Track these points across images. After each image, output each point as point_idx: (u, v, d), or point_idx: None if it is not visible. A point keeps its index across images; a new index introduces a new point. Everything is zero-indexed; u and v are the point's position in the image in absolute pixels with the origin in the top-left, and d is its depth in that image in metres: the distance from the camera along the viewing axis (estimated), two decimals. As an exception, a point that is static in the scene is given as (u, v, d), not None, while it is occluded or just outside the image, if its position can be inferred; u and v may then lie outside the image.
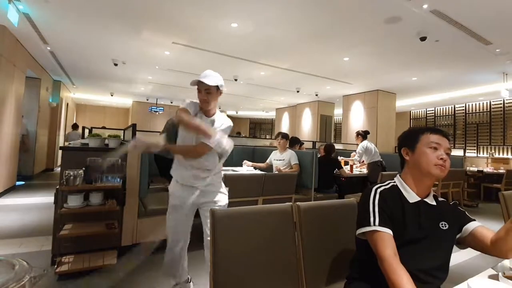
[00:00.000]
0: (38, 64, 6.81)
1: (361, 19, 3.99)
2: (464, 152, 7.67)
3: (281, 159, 3.93)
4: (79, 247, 2.44)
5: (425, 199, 1.10)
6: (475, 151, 9.22)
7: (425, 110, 10.92)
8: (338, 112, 10.89)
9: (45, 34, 5.05)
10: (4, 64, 4.70)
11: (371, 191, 1.10)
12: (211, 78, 1.71)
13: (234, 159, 4.20)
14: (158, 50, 5.73)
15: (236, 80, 7.69)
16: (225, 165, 3.39)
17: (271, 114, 14.70)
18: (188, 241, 1.98)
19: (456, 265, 2.79)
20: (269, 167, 4.05)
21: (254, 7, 3.82)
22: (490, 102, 8.94)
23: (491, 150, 8.71)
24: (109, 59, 6.43)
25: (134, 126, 3.09)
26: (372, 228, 1.01)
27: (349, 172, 4.65)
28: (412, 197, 1.09)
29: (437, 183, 5.14)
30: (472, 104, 9.43)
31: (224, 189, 1.95)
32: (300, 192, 3.82)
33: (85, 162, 2.44)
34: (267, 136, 15.54)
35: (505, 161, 7.81)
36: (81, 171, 2.34)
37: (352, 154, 5.53)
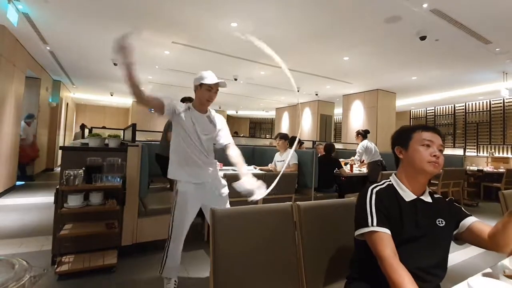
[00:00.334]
0: (37, 64, 6.81)
1: (361, 18, 3.99)
2: (464, 151, 7.67)
3: (281, 160, 3.92)
4: (79, 247, 2.44)
5: (421, 197, 1.11)
6: (475, 150, 9.22)
7: (425, 109, 10.91)
8: (338, 111, 10.89)
9: (45, 34, 5.04)
10: (3, 64, 4.70)
11: (367, 192, 1.10)
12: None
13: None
14: (158, 49, 5.73)
15: (236, 79, 7.69)
16: (225, 164, 3.41)
17: (271, 114, 14.70)
18: None
19: (456, 264, 2.79)
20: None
21: (254, 7, 3.82)
22: (490, 102, 8.94)
23: (491, 149, 8.71)
24: (108, 59, 6.41)
25: (134, 126, 3.09)
26: (370, 228, 1.01)
27: (349, 171, 4.65)
28: (408, 195, 1.10)
29: (437, 182, 5.14)
30: (472, 104, 9.43)
31: (223, 180, 2.09)
32: (300, 192, 3.82)
33: (85, 162, 2.44)
34: (267, 136, 15.55)
35: (505, 160, 7.81)
36: (81, 171, 2.34)
37: (350, 160, 5.47)
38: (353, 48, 5.19)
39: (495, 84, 6.92)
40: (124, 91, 10.86)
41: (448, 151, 8.01)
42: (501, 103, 8.68)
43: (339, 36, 4.65)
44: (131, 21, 4.39)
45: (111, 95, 11.68)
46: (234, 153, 1.97)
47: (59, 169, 3.55)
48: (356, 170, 4.94)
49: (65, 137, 10.12)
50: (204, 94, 1.89)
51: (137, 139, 3.06)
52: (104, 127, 6.74)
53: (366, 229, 1.02)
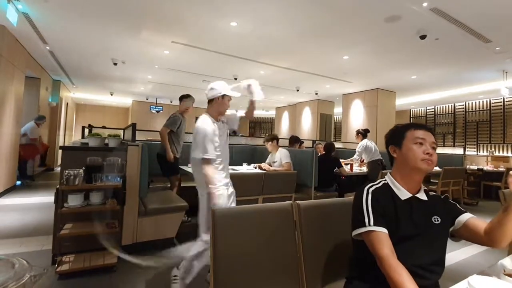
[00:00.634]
0: (37, 63, 6.81)
1: (361, 17, 3.98)
2: (464, 150, 7.67)
3: (275, 161, 3.93)
4: (80, 247, 2.44)
5: (416, 195, 1.11)
6: (475, 149, 9.23)
7: (425, 108, 10.92)
8: (338, 110, 10.89)
9: (45, 33, 5.04)
10: (3, 64, 4.69)
11: (363, 191, 1.11)
12: None
13: (233, 158, 4.20)
14: (158, 49, 5.73)
15: (235, 79, 7.68)
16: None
17: (271, 113, 14.70)
18: None
19: (457, 263, 2.79)
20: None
21: (254, 6, 3.81)
22: (490, 100, 8.94)
23: (491, 148, 8.71)
24: (108, 59, 6.42)
25: (134, 125, 3.09)
26: (368, 228, 1.02)
27: (349, 170, 4.65)
28: (403, 194, 1.10)
29: (437, 181, 5.14)
30: (472, 103, 9.43)
31: None
32: (300, 191, 3.82)
33: (85, 161, 2.44)
34: (267, 135, 15.53)
35: (505, 159, 7.81)
36: (81, 171, 2.34)
37: (350, 160, 5.47)
38: (353, 47, 5.19)
39: (495, 83, 6.92)
40: (123, 91, 10.87)
41: (448, 150, 8.01)
42: (501, 102, 8.68)
43: (339, 35, 4.65)
44: (131, 21, 4.39)
45: (111, 95, 11.68)
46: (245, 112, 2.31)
47: (59, 169, 3.55)
48: (356, 169, 4.94)
49: (65, 137, 10.12)
50: (226, 105, 2.10)
51: (137, 138, 3.07)
52: (104, 127, 6.74)
53: (363, 229, 1.03)
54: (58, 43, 5.55)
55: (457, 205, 1.15)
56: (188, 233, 3.23)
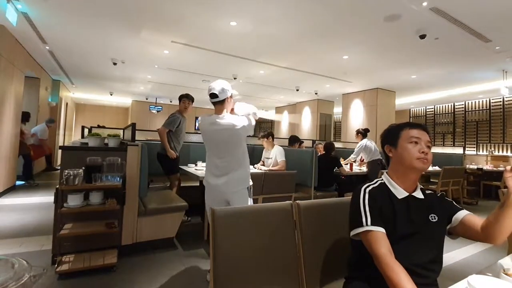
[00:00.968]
0: (37, 63, 6.80)
1: (361, 17, 3.98)
2: (464, 150, 7.67)
3: (270, 157, 3.95)
4: (80, 247, 2.44)
5: (412, 194, 1.12)
6: (475, 149, 9.23)
7: (424, 108, 10.92)
8: (337, 110, 10.89)
9: (44, 33, 5.03)
10: (3, 63, 4.69)
11: (360, 191, 1.11)
12: None
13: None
14: (157, 49, 5.72)
15: (235, 78, 7.68)
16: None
17: (271, 113, 14.70)
18: None
19: (456, 262, 2.80)
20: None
21: (253, 6, 3.81)
22: (489, 100, 8.94)
23: (490, 148, 8.72)
24: (108, 59, 6.41)
25: (133, 125, 3.09)
26: (365, 228, 1.02)
27: (348, 170, 4.65)
28: (400, 193, 1.11)
29: (436, 181, 5.15)
30: (471, 102, 9.43)
31: None
32: (300, 191, 3.83)
33: (85, 161, 2.44)
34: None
35: (504, 158, 7.82)
36: (81, 171, 2.34)
37: (347, 160, 5.47)
38: (353, 47, 5.19)
39: (495, 83, 6.92)
40: (123, 91, 10.87)
41: (447, 150, 8.01)
42: (500, 101, 8.68)
43: (339, 34, 4.65)
44: (131, 21, 4.39)
45: (111, 95, 11.68)
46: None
47: (59, 168, 3.54)
48: (356, 169, 4.94)
49: (65, 137, 10.12)
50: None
51: (136, 138, 3.06)
52: (103, 127, 6.74)
53: (360, 229, 1.03)
54: (57, 43, 5.55)
55: (454, 202, 1.15)
56: (188, 233, 3.25)
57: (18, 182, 5.72)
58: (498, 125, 8.74)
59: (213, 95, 1.98)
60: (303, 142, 5.33)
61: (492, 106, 8.90)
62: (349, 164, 4.94)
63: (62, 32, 4.94)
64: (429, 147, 1.10)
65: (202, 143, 4.83)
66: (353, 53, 5.49)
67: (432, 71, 6.37)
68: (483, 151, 8.92)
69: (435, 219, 1.08)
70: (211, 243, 1.15)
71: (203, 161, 3.87)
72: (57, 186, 2.29)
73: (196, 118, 13.99)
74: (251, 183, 2.12)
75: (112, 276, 2.25)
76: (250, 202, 2.08)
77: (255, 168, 3.92)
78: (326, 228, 1.39)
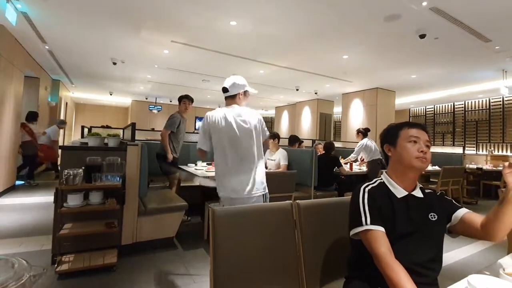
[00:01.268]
0: (36, 63, 6.79)
1: (360, 16, 3.98)
2: (464, 149, 7.67)
3: (273, 159, 3.97)
4: (79, 246, 2.44)
5: (412, 193, 1.12)
6: (474, 148, 9.24)
7: (424, 107, 10.92)
8: (337, 110, 10.90)
9: (44, 33, 5.03)
10: (2, 63, 4.68)
11: (359, 191, 1.11)
12: None
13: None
14: (157, 49, 5.72)
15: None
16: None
17: (271, 113, 14.70)
18: None
19: (456, 262, 2.80)
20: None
21: (253, 6, 3.81)
22: (489, 100, 8.95)
23: (490, 148, 8.72)
24: (108, 58, 6.41)
25: (133, 125, 3.09)
26: (365, 227, 1.02)
27: (348, 170, 4.65)
28: (399, 192, 1.11)
29: (436, 180, 5.15)
30: (471, 102, 9.43)
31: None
32: (300, 190, 3.83)
33: (85, 161, 2.43)
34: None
35: (504, 158, 7.82)
36: (80, 170, 2.34)
37: (347, 159, 5.50)
38: (353, 47, 5.19)
39: (495, 82, 6.93)
40: (123, 90, 10.86)
41: (447, 149, 8.01)
42: (500, 101, 8.68)
43: (339, 34, 4.65)
44: (130, 20, 4.38)
45: (110, 94, 11.67)
46: None
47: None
48: (355, 169, 4.94)
49: (65, 137, 10.11)
50: (248, 101, 2.00)
51: (136, 138, 3.06)
52: (109, 126, 6.75)
53: (360, 228, 1.03)
54: (57, 43, 5.54)
55: (453, 201, 1.15)
56: (188, 233, 3.25)
57: (18, 182, 5.71)
58: (497, 125, 8.74)
59: (224, 89, 1.94)
60: (302, 141, 5.33)
61: (492, 105, 8.90)
62: (349, 163, 4.94)
63: (61, 31, 4.94)
64: (428, 147, 1.11)
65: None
66: (353, 52, 5.49)
67: (432, 70, 6.37)
68: (482, 151, 8.93)
69: (434, 218, 1.08)
70: (211, 243, 1.15)
71: (203, 161, 3.88)
72: (57, 186, 2.29)
73: (196, 118, 13.99)
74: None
75: (112, 276, 2.25)
76: None
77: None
78: (326, 227, 1.39)
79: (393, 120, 8.61)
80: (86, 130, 5.24)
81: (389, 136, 1.18)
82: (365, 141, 5.15)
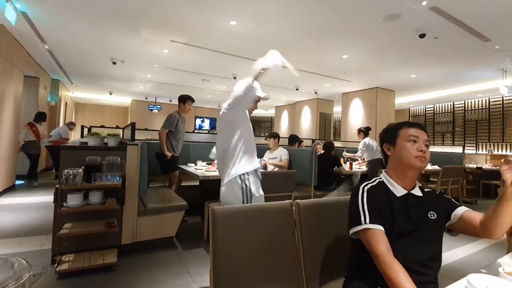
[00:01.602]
0: (36, 63, 6.79)
1: (360, 16, 3.98)
2: (463, 149, 7.67)
3: (273, 157, 4.00)
4: (79, 246, 2.44)
5: (411, 191, 1.12)
6: (474, 148, 9.24)
7: (424, 107, 10.92)
8: (337, 109, 10.90)
9: (43, 33, 5.02)
10: (2, 63, 4.68)
11: (358, 190, 1.12)
12: None
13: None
14: (157, 48, 5.71)
15: (235, 78, 7.68)
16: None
17: (271, 112, 14.70)
18: None
19: (456, 261, 2.80)
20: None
21: (253, 5, 3.80)
22: (489, 99, 8.95)
23: (490, 147, 8.72)
24: (107, 58, 6.40)
25: (133, 124, 3.09)
26: (364, 226, 1.02)
27: (348, 169, 4.65)
28: (398, 191, 1.11)
29: (436, 180, 5.15)
30: (471, 101, 9.43)
31: None
32: (299, 190, 3.83)
33: (85, 161, 2.43)
34: (266, 134, 15.55)
35: (504, 157, 7.81)
36: (80, 170, 2.34)
37: (353, 155, 5.55)
38: (352, 46, 5.18)
39: (494, 82, 6.92)
40: (123, 90, 10.85)
41: (447, 149, 8.02)
42: (500, 100, 8.69)
43: (338, 34, 4.64)
44: (130, 20, 4.38)
45: (110, 94, 11.66)
46: None
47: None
48: (355, 168, 4.94)
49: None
50: (255, 105, 1.96)
51: (136, 138, 3.06)
52: (103, 126, 6.74)
53: (359, 227, 1.04)
54: (56, 42, 5.54)
55: (452, 199, 1.16)
56: (188, 232, 3.25)
57: (18, 182, 5.71)
58: (497, 124, 8.75)
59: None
60: (302, 141, 5.33)
61: (492, 105, 8.90)
62: (348, 163, 4.94)
63: (61, 31, 4.93)
64: (427, 146, 1.11)
65: (202, 142, 4.82)
66: (353, 52, 5.49)
67: (431, 70, 6.37)
68: (482, 150, 8.93)
69: (434, 216, 1.08)
70: (211, 242, 1.15)
71: (203, 161, 3.89)
72: (57, 186, 2.29)
73: (196, 117, 13.99)
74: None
75: (112, 275, 2.25)
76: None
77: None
78: (326, 227, 1.39)
79: (393, 119, 8.61)
80: (86, 129, 5.23)
81: (389, 136, 1.18)
82: (367, 140, 5.15)
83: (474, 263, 2.78)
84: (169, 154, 3.62)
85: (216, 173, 2.81)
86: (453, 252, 3.01)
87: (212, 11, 4.00)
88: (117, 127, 6.70)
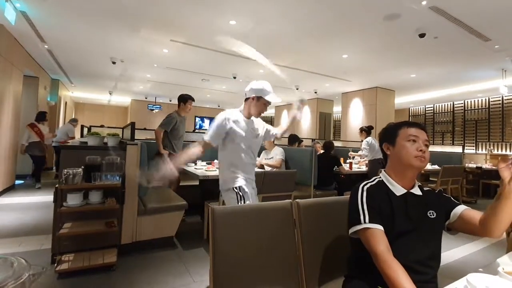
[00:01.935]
0: (36, 62, 6.78)
1: (360, 16, 3.98)
2: (463, 148, 7.67)
3: (270, 157, 4.02)
4: (79, 246, 2.44)
5: (411, 191, 1.12)
6: (474, 147, 9.24)
7: (424, 107, 10.93)
8: (337, 109, 10.89)
9: (43, 32, 5.02)
10: (1, 63, 4.68)
11: (358, 189, 1.12)
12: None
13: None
14: (157, 48, 5.71)
15: (235, 78, 7.68)
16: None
17: (271, 112, 14.69)
18: None
19: (456, 260, 2.80)
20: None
21: (253, 5, 3.80)
22: (488, 99, 8.95)
23: (489, 147, 8.72)
24: (107, 58, 6.40)
25: (132, 124, 3.09)
26: (363, 226, 1.02)
27: (348, 169, 4.65)
28: (398, 190, 1.11)
29: (435, 179, 5.15)
30: (470, 101, 9.44)
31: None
32: (299, 190, 3.83)
33: (84, 160, 2.43)
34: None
35: (503, 157, 7.81)
36: (80, 170, 2.34)
37: (357, 154, 5.58)
38: (352, 46, 5.18)
39: (494, 82, 6.93)
40: (122, 90, 10.85)
41: (447, 149, 8.02)
42: (499, 100, 8.69)
43: (338, 33, 4.64)
44: (130, 20, 4.37)
45: (110, 94, 11.65)
46: (282, 128, 2.22)
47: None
48: (355, 168, 4.94)
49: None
50: (261, 108, 1.94)
51: (136, 137, 3.06)
52: (102, 126, 6.74)
53: (358, 227, 1.03)
54: (56, 42, 5.53)
55: (452, 198, 1.16)
56: (187, 232, 3.25)
57: (18, 182, 5.71)
58: (497, 124, 8.75)
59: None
60: (302, 141, 5.33)
61: (491, 105, 8.91)
62: (348, 162, 4.94)
63: (61, 31, 4.93)
64: (427, 146, 1.11)
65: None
66: (353, 52, 5.49)
67: (431, 70, 6.37)
68: (482, 150, 8.93)
69: (433, 215, 1.08)
70: (210, 242, 1.15)
71: (203, 160, 3.89)
72: (57, 185, 2.29)
73: (196, 117, 13.98)
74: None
75: (112, 275, 2.25)
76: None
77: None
78: (326, 226, 1.39)
79: (393, 119, 8.61)
80: (86, 129, 5.23)
81: (388, 135, 1.18)
82: (370, 139, 5.14)
83: (473, 263, 2.79)
84: (164, 152, 3.62)
85: (216, 173, 2.82)
86: (453, 251, 3.01)
87: (212, 10, 3.99)
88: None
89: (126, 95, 12.19)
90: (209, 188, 3.20)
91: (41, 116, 5.83)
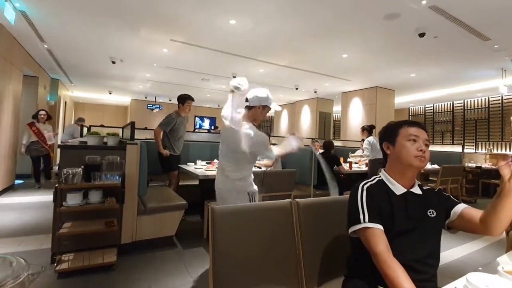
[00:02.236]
0: (35, 62, 6.77)
1: (360, 15, 3.98)
2: (463, 148, 7.67)
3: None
4: (79, 245, 2.44)
5: (411, 190, 1.12)
6: (474, 147, 9.24)
7: (423, 106, 10.92)
8: (337, 109, 10.89)
9: (42, 32, 5.01)
10: (1, 62, 4.67)
11: (358, 189, 1.11)
12: None
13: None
14: (156, 47, 5.71)
15: (234, 77, 7.64)
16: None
17: (270, 112, 14.69)
18: None
19: (456, 260, 2.80)
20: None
21: (252, 4, 3.80)
22: (488, 98, 8.95)
23: (489, 146, 8.73)
24: (107, 57, 6.39)
25: (132, 124, 3.09)
26: (363, 225, 1.02)
27: (348, 169, 4.65)
28: (398, 189, 1.11)
29: (435, 179, 5.15)
30: (470, 100, 9.44)
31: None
32: (299, 189, 3.83)
33: (84, 160, 2.43)
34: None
35: (503, 157, 7.81)
36: (80, 169, 2.33)
37: (360, 156, 5.57)
38: (352, 45, 5.18)
39: (494, 81, 6.92)
40: (122, 89, 10.84)
41: (446, 148, 8.01)
42: (499, 100, 8.69)
43: (338, 33, 4.64)
44: (129, 19, 4.37)
45: (110, 94, 11.65)
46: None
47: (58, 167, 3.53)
48: (355, 168, 4.94)
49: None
50: (264, 115, 2.05)
51: (135, 137, 3.06)
52: (102, 125, 6.73)
53: (358, 226, 1.03)
54: (56, 42, 5.52)
55: (451, 196, 1.15)
56: (187, 232, 3.25)
57: (17, 181, 5.71)
58: (496, 124, 8.75)
59: (246, 99, 1.95)
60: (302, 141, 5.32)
61: (491, 104, 8.90)
62: (348, 163, 4.94)
63: (60, 30, 4.92)
64: (427, 145, 1.10)
65: (202, 141, 4.81)
66: (353, 51, 5.49)
67: (431, 69, 6.37)
68: (482, 149, 8.93)
69: (433, 214, 1.08)
70: (210, 242, 1.15)
71: (202, 160, 3.89)
72: (56, 185, 2.29)
73: (196, 117, 13.97)
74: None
75: (112, 274, 2.25)
76: None
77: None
78: (326, 226, 1.39)
79: (393, 119, 8.60)
80: (85, 129, 5.23)
81: (388, 134, 1.18)
82: (371, 139, 5.14)
83: (473, 262, 2.79)
84: (164, 151, 3.63)
85: (216, 172, 2.82)
86: (453, 251, 3.01)
87: (211, 10, 3.99)
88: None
89: (126, 94, 12.19)
90: (209, 188, 3.20)
91: (35, 115, 5.74)
